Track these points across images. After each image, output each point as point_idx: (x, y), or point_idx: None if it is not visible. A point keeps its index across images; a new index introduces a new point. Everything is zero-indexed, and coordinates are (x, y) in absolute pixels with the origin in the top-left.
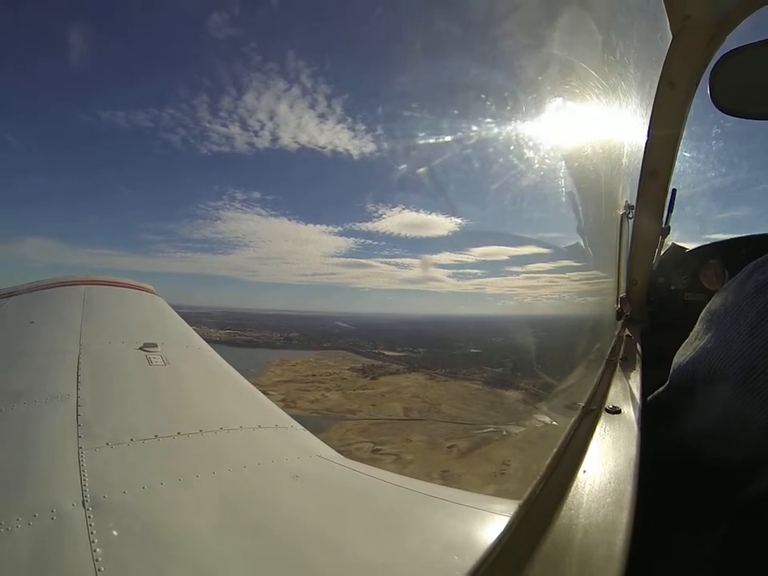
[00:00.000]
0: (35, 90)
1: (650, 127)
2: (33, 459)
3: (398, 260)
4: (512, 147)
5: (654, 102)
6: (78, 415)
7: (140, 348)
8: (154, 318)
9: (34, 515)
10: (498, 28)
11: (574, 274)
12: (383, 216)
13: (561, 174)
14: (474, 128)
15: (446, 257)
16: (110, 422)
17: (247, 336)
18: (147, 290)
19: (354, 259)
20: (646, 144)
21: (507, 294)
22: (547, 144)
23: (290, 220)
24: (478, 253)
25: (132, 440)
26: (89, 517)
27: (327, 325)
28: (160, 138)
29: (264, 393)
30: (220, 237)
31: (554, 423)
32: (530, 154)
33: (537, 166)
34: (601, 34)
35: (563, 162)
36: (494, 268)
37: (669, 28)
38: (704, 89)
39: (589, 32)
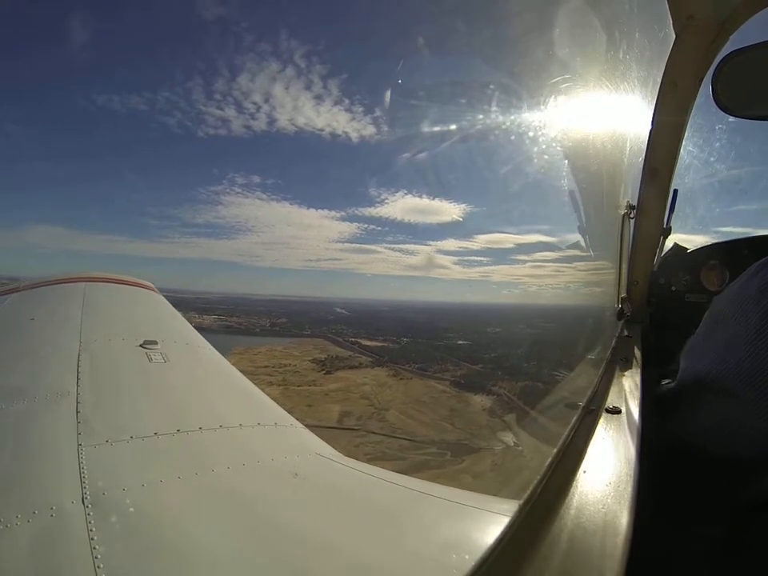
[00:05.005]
0: (31, 78)
1: (651, 127)
2: (32, 456)
3: (403, 246)
4: (513, 143)
5: (656, 101)
6: (77, 412)
7: (140, 345)
8: (155, 316)
9: (34, 512)
10: (499, 25)
11: (574, 273)
12: (386, 201)
13: (562, 174)
14: (476, 119)
15: (452, 243)
16: (110, 419)
17: (230, 322)
18: (147, 287)
19: (358, 245)
20: (648, 144)
21: (513, 282)
22: (548, 143)
23: (291, 204)
24: (483, 240)
25: (132, 437)
26: (88, 514)
27: (324, 311)
28: (156, 122)
29: None
30: (222, 222)
31: (519, 447)
32: (530, 151)
33: (538, 163)
34: (603, 33)
35: (565, 161)
36: (499, 256)
37: (672, 27)
38: (706, 89)
39: (591, 31)
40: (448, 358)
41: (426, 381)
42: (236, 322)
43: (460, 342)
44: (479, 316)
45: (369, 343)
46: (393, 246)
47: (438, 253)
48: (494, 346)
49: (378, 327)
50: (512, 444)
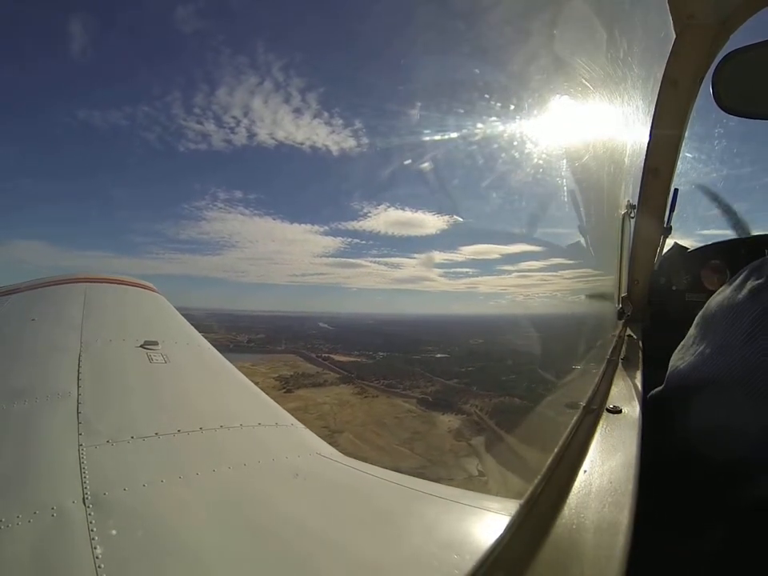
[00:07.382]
0: (10, 95)
1: (652, 126)
2: (33, 456)
3: (388, 259)
4: (511, 146)
5: (657, 101)
6: (78, 413)
7: (141, 346)
8: (155, 316)
9: (35, 512)
10: (497, 24)
11: (575, 273)
12: (369, 215)
13: (563, 174)
14: (469, 125)
15: (437, 255)
16: (111, 419)
17: (205, 338)
18: (148, 288)
19: (343, 259)
20: (648, 143)
21: (500, 292)
22: (548, 143)
23: (274, 219)
24: (468, 251)
25: (132, 437)
26: (89, 514)
27: (307, 326)
28: (138, 137)
29: None
30: (206, 237)
31: (483, 477)
32: (530, 153)
33: (538, 165)
34: (604, 33)
35: (565, 161)
36: (485, 267)
37: (672, 27)
38: (707, 88)
39: (592, 31)
40: (421, 372)
41: (393, 399)
42: (212, 339)
43: (438, 356)
44: (463, 327)
45: (342, 359)
46: (378, 259)
47: (423, 266)
48: (473, 359)
49: (356, 342)
50: (476, 473)
